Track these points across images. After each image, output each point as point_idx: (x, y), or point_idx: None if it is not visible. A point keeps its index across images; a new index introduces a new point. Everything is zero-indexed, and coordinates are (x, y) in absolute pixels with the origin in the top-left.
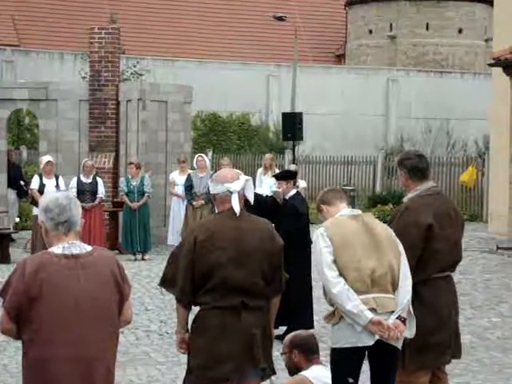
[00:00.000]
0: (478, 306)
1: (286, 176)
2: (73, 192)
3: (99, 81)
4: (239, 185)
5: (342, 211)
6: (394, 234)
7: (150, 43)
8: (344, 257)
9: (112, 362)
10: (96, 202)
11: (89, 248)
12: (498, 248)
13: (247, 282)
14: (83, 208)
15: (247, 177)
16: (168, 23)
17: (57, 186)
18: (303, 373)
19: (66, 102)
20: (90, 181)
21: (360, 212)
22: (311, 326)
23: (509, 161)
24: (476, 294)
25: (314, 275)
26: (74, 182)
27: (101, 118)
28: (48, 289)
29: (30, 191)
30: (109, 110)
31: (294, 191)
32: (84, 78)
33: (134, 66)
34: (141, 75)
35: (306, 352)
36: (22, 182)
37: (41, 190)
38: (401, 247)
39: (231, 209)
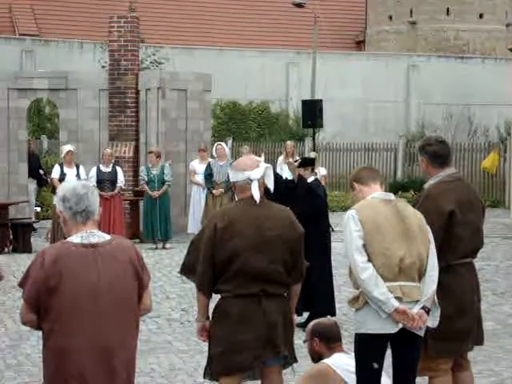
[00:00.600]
0: (500, 293)
1: (303, 163)
2: (92, 181)
3: (119, 70)
4: (259, 172)
5: (375, 193)
6: (424, 221)
7: (168, 32)
8: (374, 242)
9: (133, 351)
10: (115, 191)
11: (107, 237)
12: None
13: (267, 269)
14: (102, 197)
15: (267, 164)
16: (187, 11)
17: (77, 175)
18: (325, 360)
19: (86, 92)
20: (109, 170)
21: (393, 196)
22: (333, 313)
23: None
24: (498, 280)
25: (333, 263)
26: (93, 171)
27: (120, 107)
28: (67, 278)
29: (50, 180)
30: (128, 98)
31: (312, 178)
32: (103, 67)
33: (154, 55)
34: (160, 64)
35: (327, 340)
36: (41, 172)
37: (61, 179)
38: (431, 236)
39: (251, 196)
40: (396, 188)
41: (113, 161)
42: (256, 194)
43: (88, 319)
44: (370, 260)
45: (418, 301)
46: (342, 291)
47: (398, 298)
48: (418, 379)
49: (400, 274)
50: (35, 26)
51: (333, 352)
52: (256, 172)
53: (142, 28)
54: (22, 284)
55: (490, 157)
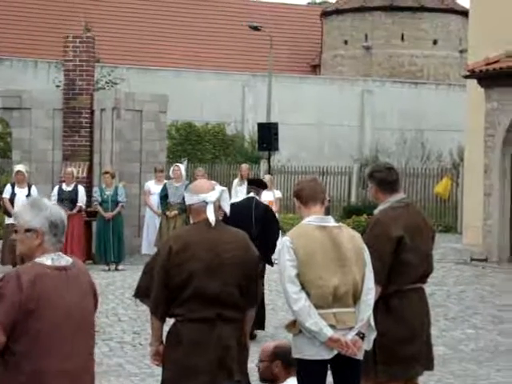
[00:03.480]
0: (451, 318)
1: (257, 183)
2: (53, 201)
3: (73, 89)
4: (214, 196)
5: (312, 217)
6: (362, 242)
7: (124, 52)
8: (308, 272)
9: (93, 374)
10: (74, 210)
11: (70, 259)
12: (472, 259)
13: (223, 292)
14: None
15: (223, 187)
16: (143, 32)
17: (28, 195)
18: None
19: (40, 111)
20: (70, 189)
21: (330, 220)
22: (262, 328)
23: (483, 172)
24: (450, 305)
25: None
26: (55, 190)
27: (75, 127)
28: (45, 301)
29: (0, 200)
30: (83, 118)
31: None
32: (58, 86)
33: (109, 75)
34: (115, 84)
35: (289, 364)
36: None
37: (11, 199)
38: (367, 257)
39: (207, 219)
40: (350, 212)
41: (74, 180)
42: (211, 216)
43: (64, 342)
44: (303, 288)
45: (352, 327)
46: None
47: (332, 326)
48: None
49: (334, 302)
50: None
51: (288, 376)
52: (211, 195)
53: (98, 48)
54: None
55: (442, 182)
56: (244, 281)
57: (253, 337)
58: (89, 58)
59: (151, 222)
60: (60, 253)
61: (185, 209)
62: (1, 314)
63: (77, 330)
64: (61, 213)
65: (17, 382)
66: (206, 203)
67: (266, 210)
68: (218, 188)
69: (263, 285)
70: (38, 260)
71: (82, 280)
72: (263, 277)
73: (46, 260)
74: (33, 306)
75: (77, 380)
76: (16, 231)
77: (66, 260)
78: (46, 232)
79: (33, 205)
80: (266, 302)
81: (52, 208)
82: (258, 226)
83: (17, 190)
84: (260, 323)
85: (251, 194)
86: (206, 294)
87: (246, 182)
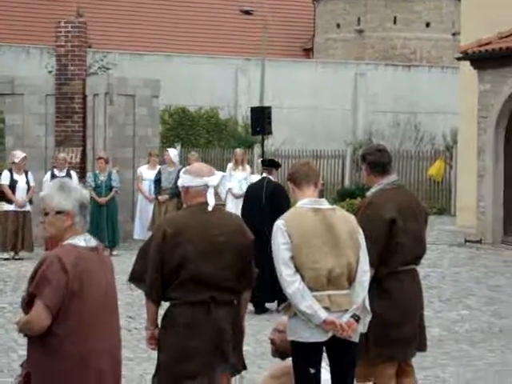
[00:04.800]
0: (446, 299)
1: (270, 163)
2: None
3: (66, 75)
4: (216, 180)
5: (305, 200)
6: (356, 224)
7: (117, 37)
8: (302, 255)
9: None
10: None
11: (95, 240)
12: (466, 241)
13: (217, 276)
14: None
15: (222, 172)
16: (135, 17)
17: (27, 181)
18: (289, 359)
19: (33, 97)
20: (63, 174)
21: (324, 202)
22: (273, 300)
23: (476, 154)
24: (444, 287)
25: None
26: (47, 176)
27: (67, 113)
28: (86, 282)
29: None
30: (76, 104)
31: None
32: (50, 72)
33: (101, 60)
34: (108, 69)
35: None
36: None
37: (12, 186)
38: (362, 239)
39: (203, 203)
40: (344, 195)
41: (66, 166)
42: (212, 200)
43: (102, 322)
44: (298, 271)
45: (347, 309)
46: None
47: (327, 308)
48: None
49: (329, 284)
50: None
51: None
52: (213, 179)
53: (90, 33)
54: (35, 290)
55: (436, 164)
56: (239, 264)
57: (264, 310)
58: (81, 43)
59: (143, 207)
60: (87, 233)
61: (176, 193)
62: (48, 296)
63: (112, 309)
64: (87, 194)
65: (60, 364)
66: (208, 187)
67: (275, 188)
68: (218, 173)
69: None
70: (71, 242)
71: (106, 258)
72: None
73: (79, 241)
74: (76, 287)
75: (115, 357)
76: (46, 213)
77: (93, 240)
78: (77, 213)
79: (62, 187)
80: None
81: (81, 189)
82: (268, 203)
83: (16, 176)
84: (272, 296)
85: (264, 175)
86: (201, 277)
87: (240, 167)
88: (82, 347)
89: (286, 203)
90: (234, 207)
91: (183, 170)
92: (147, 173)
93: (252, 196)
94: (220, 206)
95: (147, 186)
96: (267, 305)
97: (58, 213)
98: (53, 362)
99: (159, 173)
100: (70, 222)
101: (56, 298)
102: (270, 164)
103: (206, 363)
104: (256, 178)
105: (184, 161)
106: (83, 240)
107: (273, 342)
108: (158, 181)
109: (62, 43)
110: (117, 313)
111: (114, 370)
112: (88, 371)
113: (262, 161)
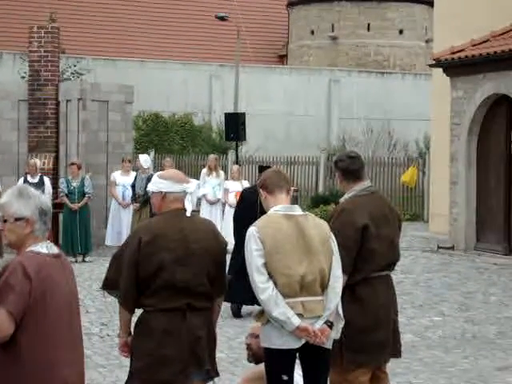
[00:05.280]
0: (419, 306)
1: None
2: None
3: (39, 80)
4: (193, 187)
5: (278, 206)
6: (328, 230)
7: (90, 43)
8: (275, 261)
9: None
10: None
11: (56, 248)
12: (439, 247)
13: (193, 282)
14: None
15: (197, 181)
16: (109, 23)
17: None
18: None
19: (5, 102)
20: (36, 181)
21: (297, 209)
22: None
23: (449, 160)
24: (417, 293)
25: None
26: (20, 182)
27: (40, 118)
28: (49, 290)
29: None
30: (48, 110)
31: None
32: (23, 77)
33: (75, 66)
34: (81, 75)
35: None
36: None
37: None
38: (334, 246)
39: (180, 209)
40: (317, 201)
41: (39, 171)
42: (189, 207)
43: (68, 330)
44: (271, 278)
45: (320, 316)
46: None
47: (300, 315)
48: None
49: (302, 291)
50: None
51: None
52: (190, 186)
53: (63, 39)
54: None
55: (409, 171)
56: (213, 269)
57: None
58: (54, 48)
59: (116, 214)
60: (49, 241)
61: (146, 199)
62: (11, 303)
63: (74, 316)
64: (47, 200)
65: (24, 374)
66: (186, 193)
67: None
68: (194, 181)
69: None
70: (33, 249)
71: (69, 265)
72: None
73: (41, 248)
74: (39, 294)
75: (79, 368)
76: (5, 221)
77: (55, 248)
78: (37, 220)
79: (21, 193)
80: None
81: (40, 196)
82: (262, 208)
83: None
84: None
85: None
86: (177, 284)
87: (214, 173)
88: (45, 356)
89: None
90: (208, 213)
91: (157, 174)
92: (120, 178)
93: (246, 200)
94: (194, 212)
95: (120, 192)
96: (250, 308)
97: (17, 219)
98: (16, 372)
99: (135, 178)
100: (29, 229)
101: (20, 305)
102: (265, 170)
103: (181, 370)
104: (230, 184)
105: (158, 167)
106: (45, 247)
107: (249, 347)
108: (132, 186)
109: (35, 48)
110: (79, 321)
111: (79, 380)
112: (53, 381)
113: (258, 166)
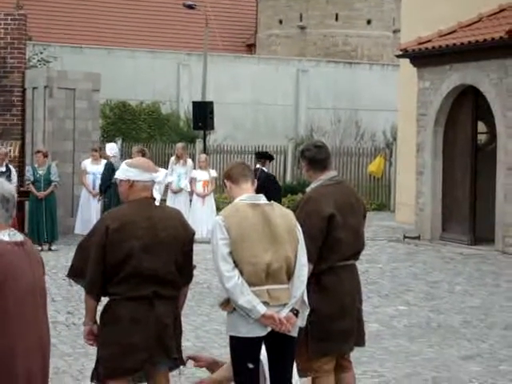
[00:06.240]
0: (384, 295)
1: (262, 155)
2: None
3: (5, 68)
4: (161, 176)
5: (244, 195)
6: (294, 219)
7: (57, 30)
8: (240, 250)
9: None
10: None
11: (21, 235)
12: (404, 237)
13: (161, 271)
14: None
15: (165, 170)
16: (77, 10)
17: None
18: None
19: None
20: (3, 169)
21: (262, 198)
22: None
23: (415, 151)
24: (383, 282)
25: None
26: None
27: (6, 106)
28: (10, 277)
29: None
30: (15, 97)
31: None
32: None
33: (41, 53)
34: (48, 62)
35: None
36: None
37: None
38: (300, 234)
39: (148, 198)
40: (285, 191)
41: (6, 160)
42: (157, 196)
43: (31, 318)
44: (237, 266)
45: (286, 304)
46: None
47: (266, 303)
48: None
49: (268, 279)
50: None
51: None
52: (159, 175)
53: (30, 26)
54: None
55: (376, 161)
56: (181, 258)
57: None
58: (20, 35)
59: (86, 202)
60: (12, 228)
61: (107, 188)
62: None
63: (39, 303)
64: (11, 187)
65: None
66: (154, 182)
67: (267, 177)
68: (163, 170)
69: None
70: None
71: (35, 253)
72: None
73: (3, 236)
74: (0, 281)
75: (44, 355)
76: None
77: (19, 235)
78: (0, 210)
79: None
80: (200, 281)
81: (2, 183)
82: (261, 192)
83: None
84: None
85: (258, 166)
86: (145, 272)
87: (181, 161)
88: (7, 342)
89: (278, 191)
90: (172, 202)
91: (125, 162)
92: (91, 167)
93: None
94: (162, 201)
95: (91, 180)
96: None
97: None
98: None
99: (105, 167)
100: None
101: None
102: (263, 156)
103: (148, 357)
104: (198, 173)
105: (126, 155)
106: (7, 235)
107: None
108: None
109: (1, 35)
110: (45, 306)
111: (43, 368)
112: (15, 368)
113: (256, 153)
